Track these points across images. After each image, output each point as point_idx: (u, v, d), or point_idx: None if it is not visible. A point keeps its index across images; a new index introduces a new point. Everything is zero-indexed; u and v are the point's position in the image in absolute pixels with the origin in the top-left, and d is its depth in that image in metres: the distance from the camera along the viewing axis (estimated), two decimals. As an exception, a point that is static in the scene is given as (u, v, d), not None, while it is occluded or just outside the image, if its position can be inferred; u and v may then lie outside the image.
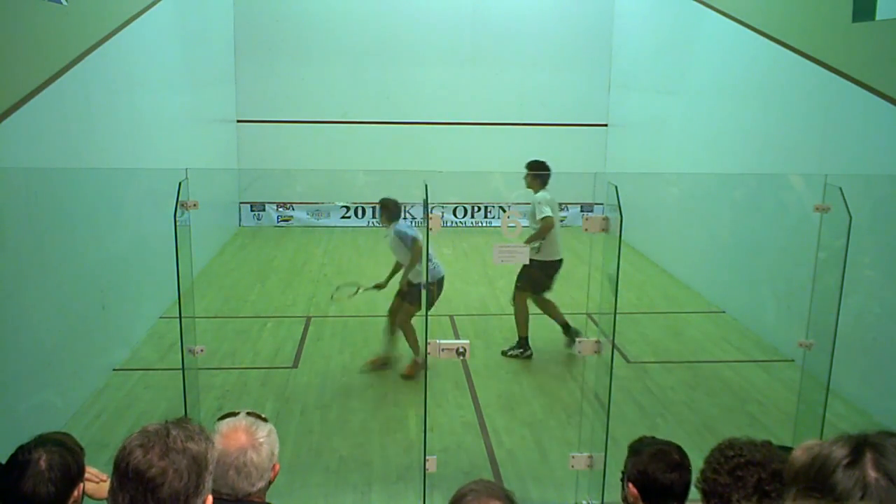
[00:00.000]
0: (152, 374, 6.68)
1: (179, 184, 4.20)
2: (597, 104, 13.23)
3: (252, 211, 13.08)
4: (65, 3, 5.90)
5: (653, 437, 2.65)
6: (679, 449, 2.56)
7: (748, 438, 2.25)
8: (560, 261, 7.33)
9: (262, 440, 2.30)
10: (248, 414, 2.40)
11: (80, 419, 5.79)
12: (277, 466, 2.36)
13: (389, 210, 7.00)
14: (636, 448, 2.59)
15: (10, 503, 2.16)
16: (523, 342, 7.32)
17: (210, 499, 1.76)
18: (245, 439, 2.28)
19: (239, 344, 7.54)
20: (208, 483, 1.75)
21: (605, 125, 13.27)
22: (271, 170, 12.84)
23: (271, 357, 7.24)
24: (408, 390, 6.44)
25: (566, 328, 7.38)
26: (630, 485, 2.53)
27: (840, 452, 1.33)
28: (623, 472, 2.60)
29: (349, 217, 13.19)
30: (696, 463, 2.38)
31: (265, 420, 2.39)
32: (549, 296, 7.40)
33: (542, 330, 8.10)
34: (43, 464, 2.18)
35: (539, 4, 12.99)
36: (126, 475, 1.68)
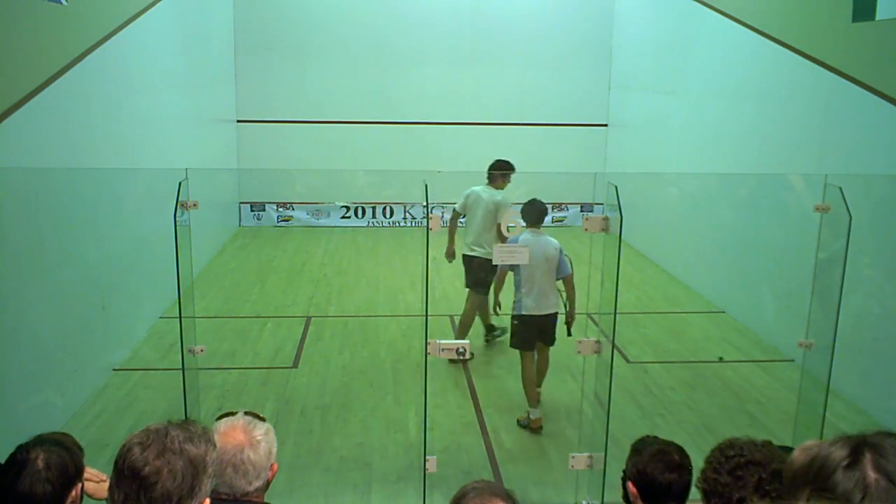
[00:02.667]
0: (152, 374, 6.68)
1: (179, 184, 4.20)
2: (597, 104, 13.23)
3: (252, 211, 13.08)
4: (65, 3, 5.90)
5: (655, 437, 2.65)
6: (680, 450, 2.56)
7: (748, 438, 2.25)
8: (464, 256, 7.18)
9: (259, 438, 2.30)
10: (246, 413, 2.40)
11: (80, 419, 5.79)
12: (275, 466, 2.36)
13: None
14: (638, 447, 2.59)
15: (7, 502, 2.16)
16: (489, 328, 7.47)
17: (207, 502, 1.76)
18: (242, 437, 2.28)
19: (239, 344, 7.54)
20: (205, 486, 1.74)
21: (605, 125, 13.27)
22: (271, 170, 12.84)
23: (271, 357, 7.24)
24: (408, 390, 6.44)
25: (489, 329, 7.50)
26: (630, 483, 2.54)
27: (839, 454, 1.33)
28: (624, 471, 2.61)
29: (349, 217, 13.20)
30: (697, 463, 2.38)
31: (263, 419, 2.39)
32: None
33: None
34: (40, 463, 2.18)
35: (539, 4, 12.99)
36: (122, 472, 1.69)
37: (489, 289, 6.81)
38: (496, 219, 6.78)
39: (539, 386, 6.07)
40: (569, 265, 5.90)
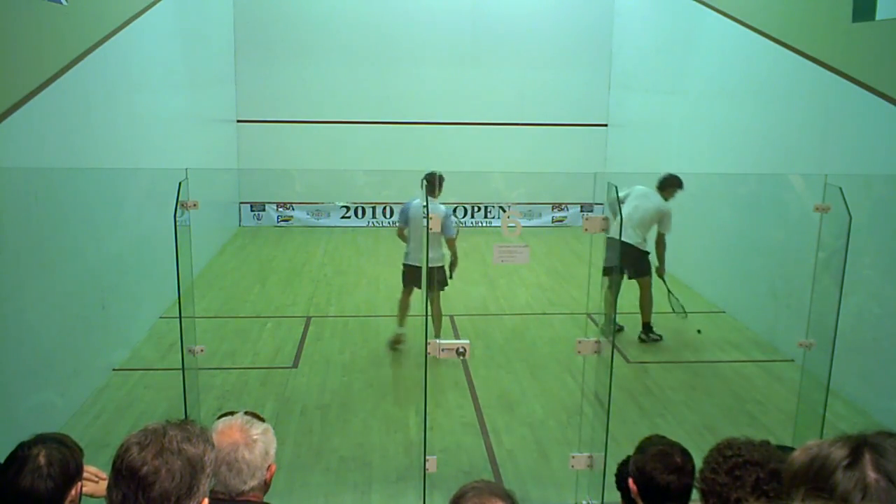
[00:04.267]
0: (152, 374, 6.68)
1: (179, 184, 4.20)
2: (597, 104, 13.23)
3: (252, 211, 13.08)
4: (65, 3, 5.90)
5: (662, 437, 2.65)
6: (684, 452, 2.55)
7: (746, 438, 2.25)
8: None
9: (256, 437, 2.29)
10: (246, 413, 2.39)
11: (80, 419, 5.79)
12: (273, 467, 2.34)
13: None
14: (643, 446, 2.60)
15: (8, 499, 2.16)
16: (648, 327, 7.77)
17: (206, 502, 1.76)
18: (239, 436, 2.27)
19: (239, 344, 7.53)
20: (204, 486, 1.74)
21: (605, 125, 13.27)
22: (271, 170, 12.84)
23: (271, 357, 7.24)
24: (408, 390, 6.44)
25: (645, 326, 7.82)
26: (631, 480, 2.55)
27: (839, 454, 1.33)
28: (618, 469, 2.63)
29: (349, 217, 13.20)
30: (697, 463, 2.38)
31: (262, 420, 2.39)
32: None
33: (545, 329, 8.12)
34: (42, 459, 2.17)
35: (539, 4, 12.99)
36: (120, 472, 1.69)
37: (650, 273, 7.62)
38: (658, 225, 7.51)
39: (438, 335, 7.10)
40: (453, 230, 7.07)
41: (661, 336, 7.72)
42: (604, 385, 4.46)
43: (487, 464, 5.33)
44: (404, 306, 7.42)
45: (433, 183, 7.00)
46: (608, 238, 7.22)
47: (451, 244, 7.13)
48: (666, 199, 7.54)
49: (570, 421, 5.84)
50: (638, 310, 7.66)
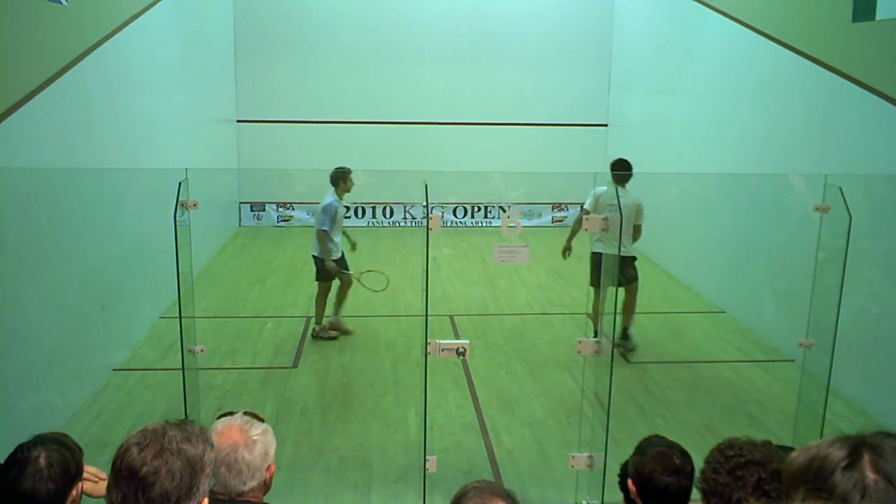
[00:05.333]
0: (152, 374, 6.69)
1: (179, 184, 4.20)
2: (597, 104, 13.23)
3: (252, 211, 13.08)
4: (65, 3, 5.90)
5: (661, 438, 2.65)
6: (683, 453, 2.55)
7: (748, 438, 2.25)
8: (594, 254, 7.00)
9: (255, 438, 2.29)
10: (246, 413, 2.39)
11: (80, 419, 5.79)
12: (273, 468, 2.34)
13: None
14: (642, 446, 2.60)
15: (9, 502, 2.15)
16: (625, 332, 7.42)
17: (206, 502, 1.76)
18: (238, 437, 2.27)
19: (239, 344, 7.54)
20: (203, 486, 1.74)
21: (605, 125, 13.27)
22: (271, 170, 12.84)
23: (271, 357, 7.24)
24: (408, 390, 6.44)
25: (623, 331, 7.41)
26: (630, 481, 2.55)
27: (838, 454, 1.33)
28: (621, 469, 2.62)
29: (349, 217, 13.17)
30: (697, 463, 2.38)
31: (262, 420, 2.38)
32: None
33: (545, 329, 8.12)
34: (42, 461, 2.17)
35: (539, 4, 12.99)
36: (120, 472, 1.69)
37: (637, 278, 7.29)
38: (636, 218, 7.01)
39: (318, 322, 7.70)
40: (324, 223, 7.29)
41: (636, 346, 7.40)
42: (604, 385, 4.46)
43: (487, 464, 5.33)
44: (336, 298, 7.77)
45: (335, 178, 7.49)
46: (592, 253, 6.93)
47: (318, 236, 7.40)
48: (626, 190, 6.97)
49: (570, 421, 5.84)
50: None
